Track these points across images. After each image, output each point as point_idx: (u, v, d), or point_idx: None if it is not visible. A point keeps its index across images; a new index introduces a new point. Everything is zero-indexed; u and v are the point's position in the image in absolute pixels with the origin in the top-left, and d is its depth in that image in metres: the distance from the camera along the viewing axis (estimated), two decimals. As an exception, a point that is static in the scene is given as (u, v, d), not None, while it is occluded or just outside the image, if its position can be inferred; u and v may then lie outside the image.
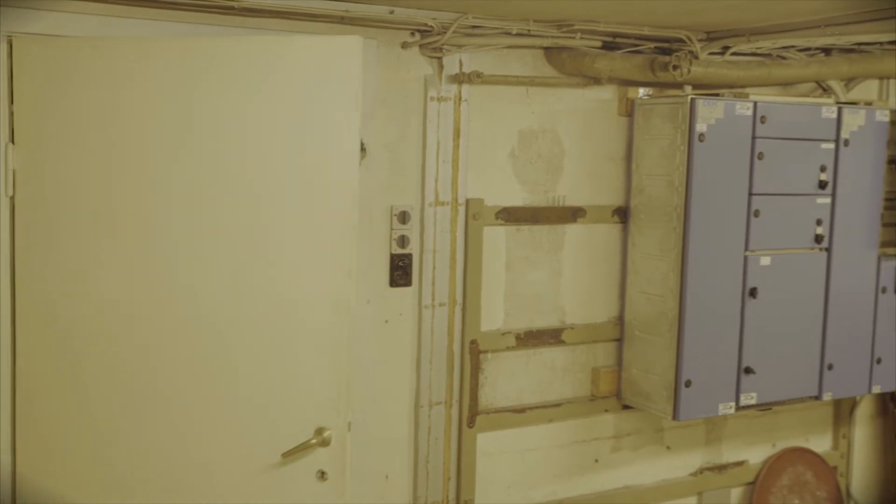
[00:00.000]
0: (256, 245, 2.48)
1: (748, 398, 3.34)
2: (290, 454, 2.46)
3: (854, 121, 3.41)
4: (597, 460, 3.46)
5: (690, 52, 3.23)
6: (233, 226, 2.48)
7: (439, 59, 3.01)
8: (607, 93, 3.33)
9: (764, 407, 3.45)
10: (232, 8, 2.60)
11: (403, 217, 3.03)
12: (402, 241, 3.04)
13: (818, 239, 3.41)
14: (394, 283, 3.05)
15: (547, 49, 3.19)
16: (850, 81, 3.70)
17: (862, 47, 3.50)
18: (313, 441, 2.46)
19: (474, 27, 2.99)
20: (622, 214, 3.39)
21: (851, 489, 4.11)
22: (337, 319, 2.47)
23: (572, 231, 3.31)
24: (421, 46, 2.99)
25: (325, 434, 2.46)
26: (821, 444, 4.03)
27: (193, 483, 2.53)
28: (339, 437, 2.48)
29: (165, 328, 2.50)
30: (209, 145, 2.46)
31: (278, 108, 2.44)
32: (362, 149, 2.66)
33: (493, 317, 3.19)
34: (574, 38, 3.13)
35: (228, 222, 2.48)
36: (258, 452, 2.50)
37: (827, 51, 3.51)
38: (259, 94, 2.44)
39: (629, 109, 3.35)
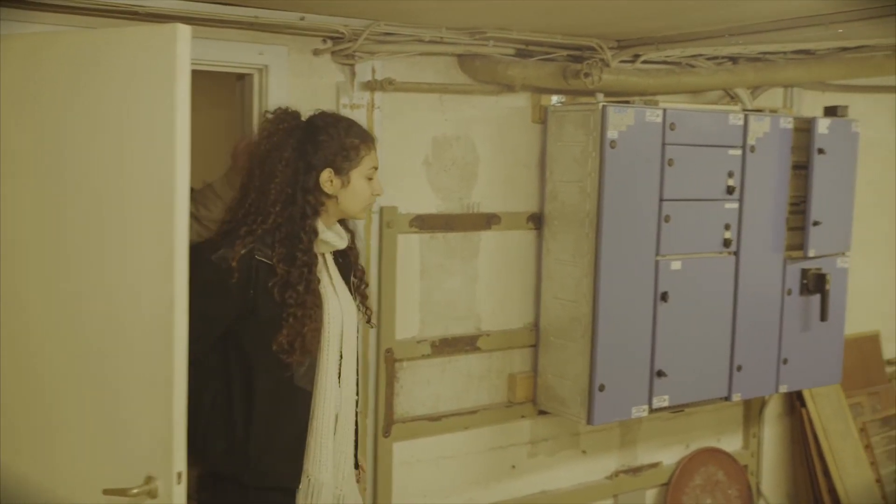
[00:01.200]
0: (75, 259, 2.18)
1: (661, 401, 3.39)
2: (111, 493, 2.09)
3: (760, 128, 3.50)
4: (514, 466, 3.47)
5: (601, 59, 3.27)
6: (56, 238, 2.20)
7: (352, 66, 2.99)
8: (521, 100, 3.34)
9: (676, 409, 3.51)
10: (136, 13, 2.54)
11: (316, 225, 3.00)
12: (316, 249, 3.00)
13: (727, 243, 3.47)
14: (307, 292, 3.01)
15: (460, 56, 3.19)
16: (755, 89, 3.80)
17: (767, 56, 3.59)
18: (135, 490, 2.05)
19: (386, 34, 2.97)
20: (536, 221, 3.41)
21: (761, 487, 4.22)
22: (164, 351, 2.03)
23: (487, 238, 3.32)
24: (333, 53, 2.96)
25: (153, 485, 2.05)
26: (732, 443, 4.12)
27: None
28: (166, 490, 2.05)
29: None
30: (37, 144, 2.22)
31: (100, 104, 2.13)
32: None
33: (409, 325, 3.17)
34: (487, 45, 3.13)
35: (54, 234, 2.20)
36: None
37: (734, 59, 3.59)
38: (85, 89, 2.15)
39: (543, 116, 3.37)
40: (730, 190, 3.46)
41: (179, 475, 2.04)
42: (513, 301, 3.40)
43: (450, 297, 3.26)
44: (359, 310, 2.56)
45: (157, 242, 2.04)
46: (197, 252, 2.25)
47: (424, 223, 3.17)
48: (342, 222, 2.52)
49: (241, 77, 2.94)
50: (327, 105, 2.95)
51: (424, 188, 3.17)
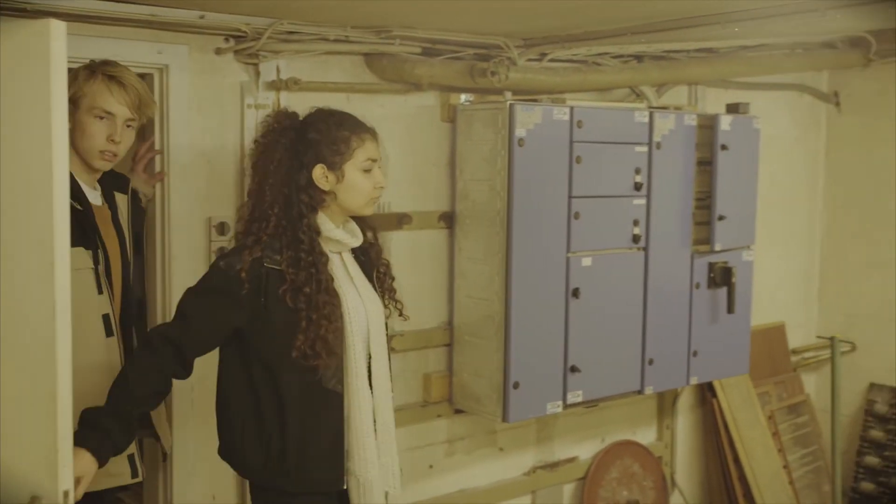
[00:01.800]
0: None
1: (575, 396, 3.42)
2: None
3: (665, 125, 3.56)
4: (431, 466, 3.46)
5: (508, 58, 3.28)
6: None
7: (255, 65, 2.94)
8: (430, 99, 3.34)
9: (591, 404, 3.53)
10: (25, 10, 2.44)
11: (222, 228, 2.94)
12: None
13: (635, 239, 3.52)
14: (215, 296, 2.95)
15: (367, 55, 3.17)
16: (660, 87, 3.87)
17: (671, 55, 3.67)
18: None
19: (290, 33, 2.93)
20: (448, 220, 3.41)
21: (676, 477, 4.30)
22: (47, 363, 1.89)
23: (399, 238, 3.30)
24: (236, 52, 2.91)
25: None
26: (647, 435, 4.19)
27: None
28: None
29: None
30: None
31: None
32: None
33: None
34: (393, 44, 3.12)
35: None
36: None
37: (639, 58, 3.65)
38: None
39: (452, 115, 3.37)
40: (637, 186, 3.50)
41: (66, 494, 1.92)
42: (426, 301, 3.40)
43: (362, 299, 3.23)
44: (387, 306, 2.52)
45: (37, 249, 1.93)
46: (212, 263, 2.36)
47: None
48: (360, 220, 2.47)
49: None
50: (231, 106, 2.92)
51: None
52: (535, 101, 3.26)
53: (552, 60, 3.44)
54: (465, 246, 3.37)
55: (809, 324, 4.82)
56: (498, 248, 3.22)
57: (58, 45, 1.87)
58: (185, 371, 2.32)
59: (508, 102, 3.15)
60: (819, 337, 4.65)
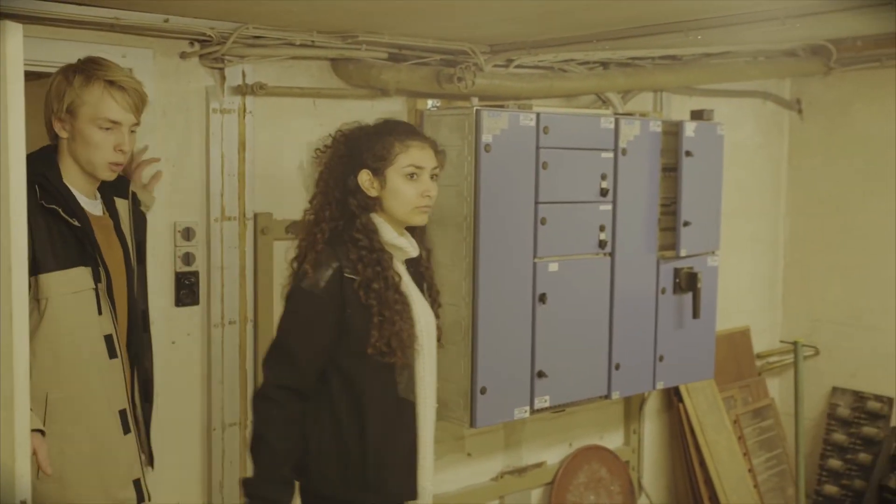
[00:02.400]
0: None
1: (542, 401, 3.43)
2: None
3: (630, 131, 3.58)
4: (397, 472, 3.45)
5: (475, 64, 3.30)
6: None
7: (221, 69, 2.93)
8: (396, 104, 3.34)
9: (558, 409, 3.54)
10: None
11: (188, 233, 2.92)
12: (187, 258, 2.93)
13: (602, 244, 3.53)
14: (180, 302, 2.93)
15: (333, 61, 3.17)
16: (626, 94, 3.90)
17: (636, 62, 3.70)
18: None
19: (256, 37, 2.92)
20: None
21: (643, 481, 4.32)
22: (3, 369, 1.86)
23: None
24: (201, 57, 2.89)
25: None
26: (614, 440, 4.21)
27: None
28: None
29: None
30: None
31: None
32: None
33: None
34: (359, 49, 3.12)
35: None
36: None
37: (605, 65, 3.68)
38: None
39: (418, 121, 3.37)
40: (603, 192, 3.52)
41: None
42: (393, 306, 3.39)
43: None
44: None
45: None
46: (292, 286, 2.35)
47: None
48: (416, 236, 2.50)
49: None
50: (196, 110, 2.91)
51: (300, 194, 3.12)
52: (501, 107, 3.27)
53: (518, 67, 3.46)
54: (433, 251, 3.35)
55: (774, 328, 4.87)
56: (465, 254, 3.22)
57: (14, 48, 1.83)
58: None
59: (475, 108, 3.15)
60: (783, 342, 4.69)
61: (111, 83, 2.31)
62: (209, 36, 2.83)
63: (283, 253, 3.05)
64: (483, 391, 3.24)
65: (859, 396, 4.72)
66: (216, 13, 2.76)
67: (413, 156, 2.37)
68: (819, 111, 4.74)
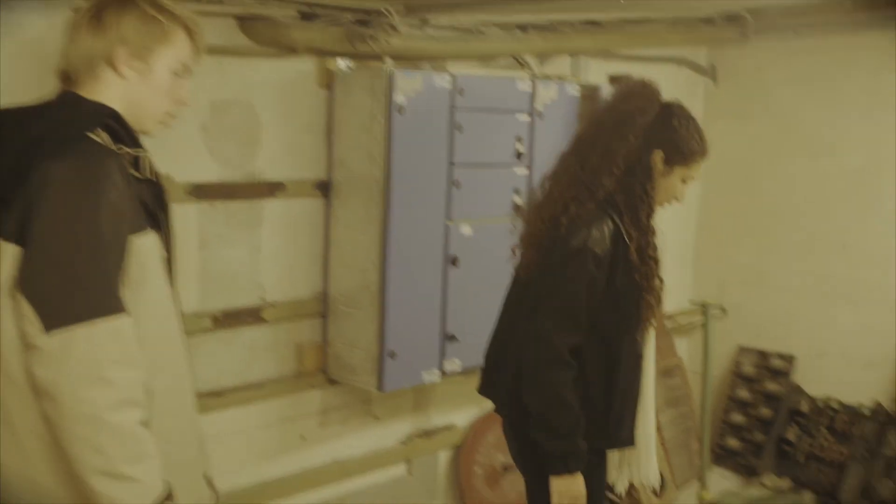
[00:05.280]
0: None
1: (452, 365, 3.44)
2: None
3: (547, 94, 3.56)
4: (303, 437, 3.42)
5: (389, 24, 3.20)
6: None
7: (119, 24, 2.77)
8: (306, 64, 3.23)
9: (468, 372, 3.55)
10: None
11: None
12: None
13: (517, 208, 3.53)
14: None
15: (240, 18, 3.04)
16: (544, 57, 3.86)
17: (555, 25, 3.65)
18: None
19: (157, -9, 2.77)
20: (324, 188, 3.33)
21: (551, 440, 4.38)
22: None
23: (271, 206, 3.21)
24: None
25: None
26: (524, 400, 4.24)
27: None
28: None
29: None
30: None
31: None
32: None
33: (187, 298, 3.00)
34: (268, 7, 3.00)
35: None
36: None
37: (523, 27, 3.62)
38: None
39: (329, 81, 3.28)
40: (519, 155, 3.50)
41: None
42: (300, 270, 3.33)
43: (232, 269, 3.14)
44: None
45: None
46: (559, 243, 2.31)
47: (203, 192, 3.01)
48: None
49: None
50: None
51: (202, 155, 3.01)
52: (415, 67, 3.20)
53: (434, 27, 3.38)
54: (341, 215, 3.30)
55: (684, 289, 4.95)
56: (375, 217, 3.17)
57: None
58: None
59: (388, 68, 3.08)
60: (692, 302, 4.79)
61: (189, 28, 2.01)
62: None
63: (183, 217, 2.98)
64: (392, 355, 3.23)
65: (763, 355, 4.86)
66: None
67: (697, 170, 2.44)
68: (733, 78, 4.79)
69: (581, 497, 2.32)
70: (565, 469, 2.29)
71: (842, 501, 4.31)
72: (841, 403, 4.53)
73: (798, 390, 4.69)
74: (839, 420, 4.50)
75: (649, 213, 2.37)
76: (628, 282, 2.34)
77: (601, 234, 2.29)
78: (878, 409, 4.40)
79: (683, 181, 2.43)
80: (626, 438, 2.48)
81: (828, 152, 4.57)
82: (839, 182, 4.56)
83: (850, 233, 4.55)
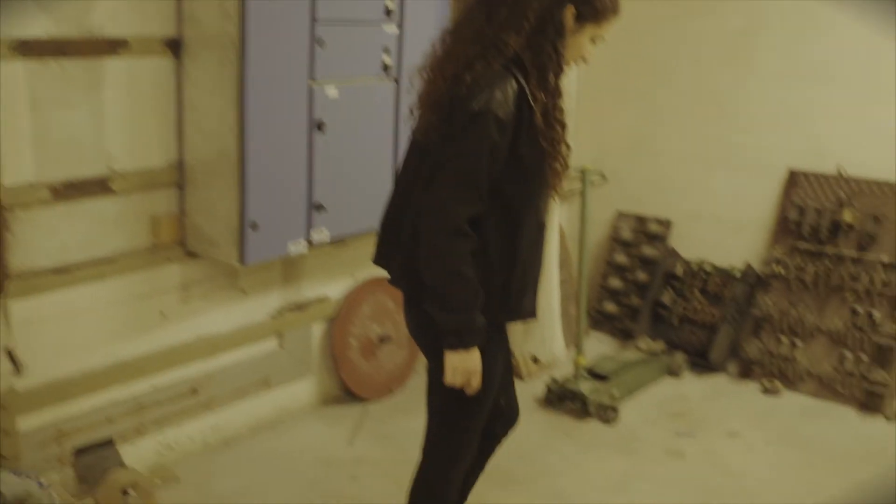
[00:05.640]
0: None
1: (320, 235, 3.31)
2: None
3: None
4: (163, 313, 3.24)
5: None
6: None
7: None
8: None
9: (339, 242, 3.42)
10: None
11: None
12: None
13: (386, 68, 3.35)
14: None
15: None
16: None
17: None
18: None
19: None
20: (174, 46, 3.04)
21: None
22: None
23: (114, 66, 2.91)
24: None
25: None
26: (401, 270, 4.15)
27: None
28: None
29: None
30: None
31: None
32: None
33: (20, 168, 2.75)
34: None
35: None
36: None
37: None
38: None
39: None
40: (388, 11, 3.30)
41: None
42: (151, 137, 3.07)
43: (72, 135, 2.86)
44: None
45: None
46: (459, 105, 2.13)
47: (31, 48, 2.70)
48: None
49: None
50: None
51: (28, 6, 2.68)
52: None
53: None
54: (195, 76, 3.04)
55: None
56: (230, 78, 2.94)
57: None
58: None
59: None
60: (571, 169, 4.71)
61: None
62: None
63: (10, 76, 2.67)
64: (254, 226, 3.06)
65: (641, 220, 4.89)
66: None
67: (610, 29, 2.30)
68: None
69: (476, 373, 2.21)
70: (460, 344, 2.17)
71: (711, 361, 4.44)
72: (714, 266, 4.60)
73: (674, 254, 4.75)
74: (712, 282, 4.59)
75: (558, 73, 2.21)
76: (533, 147, 2.19)
77: (504, 95, 2.12)
78: (748, 271, 4.49)
79: (593, 41, 2.29)
80: (528, 310, 2.38)
81: (709, 11, 4.49)
82: (719, 44, 4.51)
83: (728, 97, 4.53)
